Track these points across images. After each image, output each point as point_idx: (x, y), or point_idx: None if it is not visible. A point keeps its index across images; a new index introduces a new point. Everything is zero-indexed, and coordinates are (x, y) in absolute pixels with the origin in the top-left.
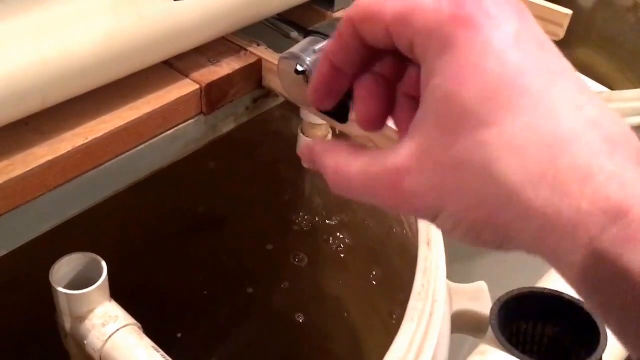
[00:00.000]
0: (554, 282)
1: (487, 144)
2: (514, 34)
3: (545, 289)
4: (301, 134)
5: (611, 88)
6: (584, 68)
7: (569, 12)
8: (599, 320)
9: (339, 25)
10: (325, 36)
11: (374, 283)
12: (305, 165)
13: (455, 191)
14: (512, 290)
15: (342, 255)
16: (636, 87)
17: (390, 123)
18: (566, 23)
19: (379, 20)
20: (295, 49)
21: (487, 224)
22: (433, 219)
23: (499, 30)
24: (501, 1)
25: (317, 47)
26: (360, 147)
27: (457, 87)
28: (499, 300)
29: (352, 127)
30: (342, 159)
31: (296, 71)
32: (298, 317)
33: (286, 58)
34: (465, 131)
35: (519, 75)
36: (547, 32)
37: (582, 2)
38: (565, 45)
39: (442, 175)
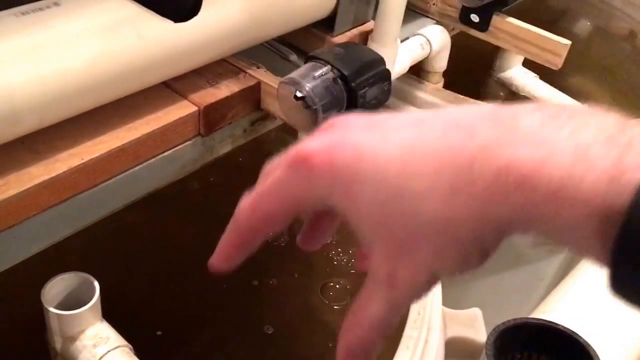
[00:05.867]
0: (550, 312)
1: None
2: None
3: (540, 319)
4: None
5: None
6: (579, 96)
7: (568, 42)
8: (593, 351)
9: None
10: (325, 62)
11: None
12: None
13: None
14: (508, 320)
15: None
16: (630, 116)
17: None
18: (564, 53)
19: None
20: (295, 74)
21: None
22: (431, 279)
23: None
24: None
25: (317, 73)
26: None
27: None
28: (494, 330)
29: None
30: (360, 319)
31: (295, 97)
32: (291, 335)
33: (286, 83)
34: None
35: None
36: (545, 62)
37: (578, 31)
38: (560, 73)
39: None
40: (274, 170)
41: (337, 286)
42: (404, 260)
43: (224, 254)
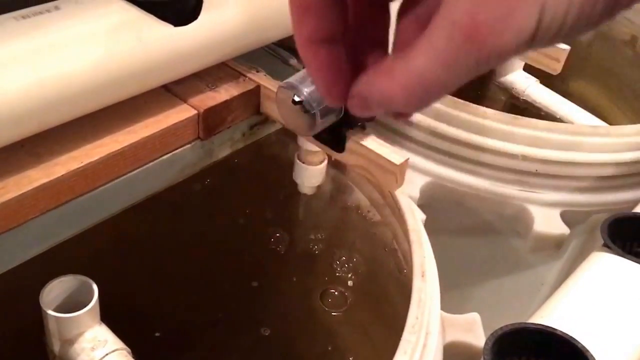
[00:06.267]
0: (548, 317)
1: None
2: None
3: (538, 324)
4: (297, 160)
5: (606, 121)
6: (580, 100)
7: (567, 47)
8: (591, 357)
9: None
10: None
11: (367, 311)
12: (361, 112)
13: None
14: (506, 325)
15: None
16: (631, 121)
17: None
18: (563, 58)
19: None
20: (293, 78)
21: None
22: (537, 25)
23: None
24: None
25: None
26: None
27: None
28: (492, 334)
29: (349, 157)
30: (396, 70)
31: (293, 101)
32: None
33: (284, 87)
34: None
35: None
36: (545, 66)
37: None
38: (561, 77)
39: None
40: None
41: (336, 293)
42: None
43: (310, 61)
